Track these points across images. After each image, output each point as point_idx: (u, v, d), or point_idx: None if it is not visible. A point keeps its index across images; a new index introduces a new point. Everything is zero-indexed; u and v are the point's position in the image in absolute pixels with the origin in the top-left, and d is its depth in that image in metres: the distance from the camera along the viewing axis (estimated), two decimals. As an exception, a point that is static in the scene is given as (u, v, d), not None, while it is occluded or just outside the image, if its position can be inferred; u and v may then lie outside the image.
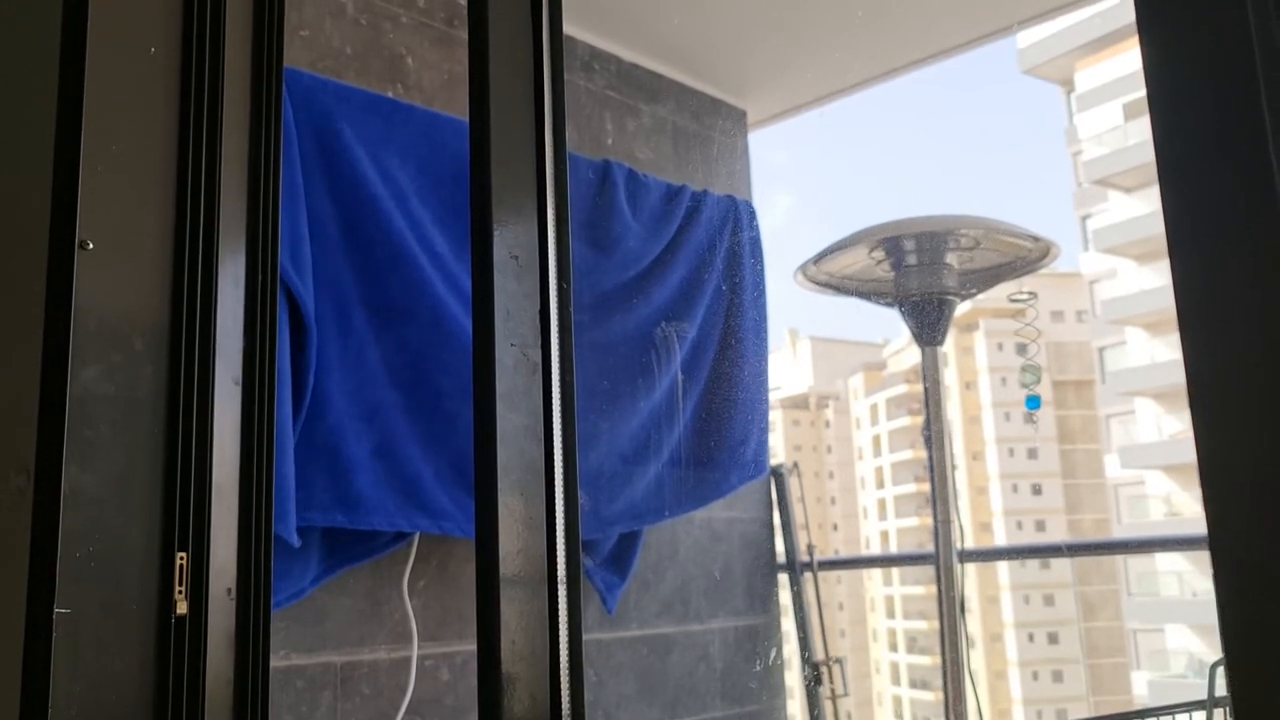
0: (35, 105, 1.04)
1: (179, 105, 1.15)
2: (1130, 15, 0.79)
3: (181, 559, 1.06)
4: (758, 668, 2.77)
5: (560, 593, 1.08)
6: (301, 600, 1.89)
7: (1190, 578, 21.47)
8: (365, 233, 1.98)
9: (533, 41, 1.23)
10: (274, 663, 1.54)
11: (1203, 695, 1.71)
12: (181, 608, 1.05)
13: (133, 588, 1.03)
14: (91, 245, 1.04)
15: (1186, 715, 1.71)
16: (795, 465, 3.06)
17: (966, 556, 2.41)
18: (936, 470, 2.26)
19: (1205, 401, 0.66)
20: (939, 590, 2.28)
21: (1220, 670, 1.61)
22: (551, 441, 1.09)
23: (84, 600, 0.98)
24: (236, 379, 1.15)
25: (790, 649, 2.95)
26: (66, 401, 0.99)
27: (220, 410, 1.12)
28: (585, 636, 1.12)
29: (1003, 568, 30.31)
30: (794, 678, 2.98)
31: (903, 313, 2.29)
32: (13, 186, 1.05)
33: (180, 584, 1.05)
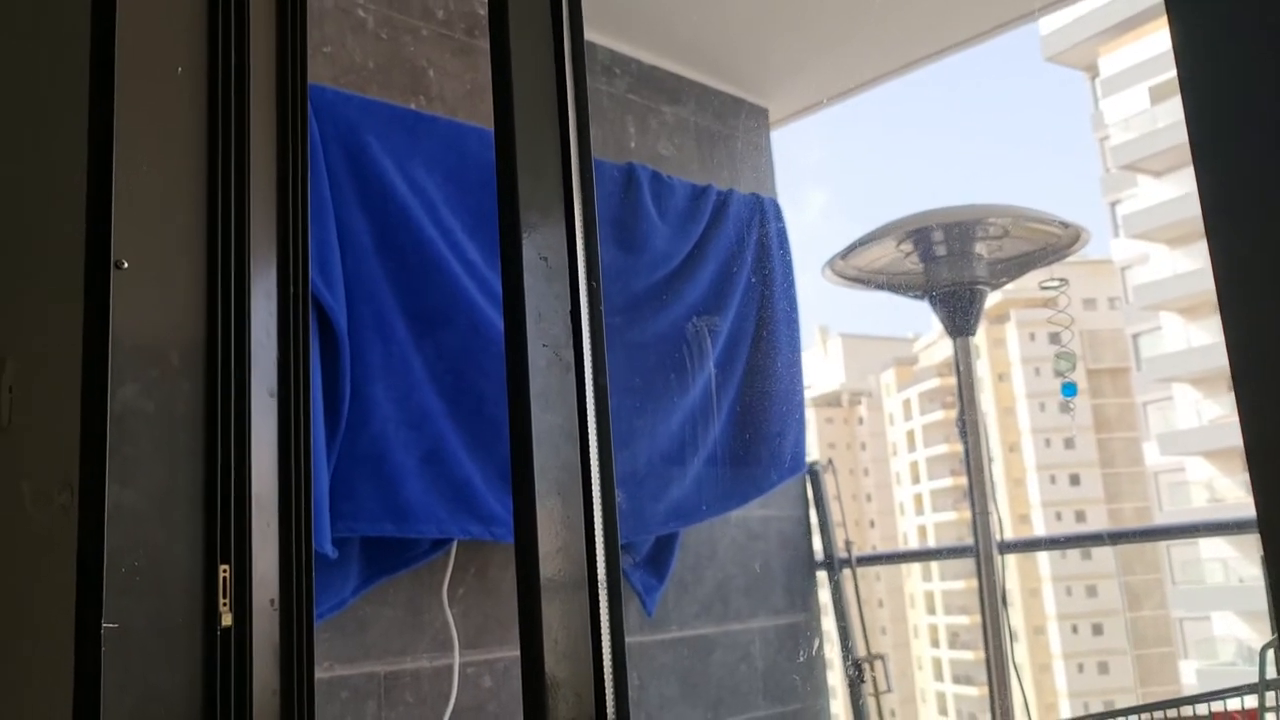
0: (67, 129, 1.06)
1: (206, 124, 1.16)
2: (1154, -4, 0.78)
3: (225, 572, 1.07)
4: (802, 669, 2.76)
5: (601, 594, 1.08)
6: (343, 611, 1.91)
7: (1236, 564, 21.15)
8: (398, 242, 1.99)
9: (554, 48, 1.23)
10: (318, 674, 1.55)
11: (1253, 681, 1.68)
12: (226, 620, 1.06)
13: (178, 601, 1.04)
14: (126, 265, 1.05)
15: (1238, 700, 1.69)
16: (830, 462, 3.04)
17: (1007, 548, 2.39)
18: (973, 463, 2.25)
19: (1249, 383, 0.65)
20: (980, 584, 2.26)
21: (1270, 653, 1.59)
22: (587, 441, 1.09)
23: (131, 615, 1.00)
24: (272, 391, 1.16)
25: (831, 647, 2.94)
26: (107, 419, 1.01)
27: (257, 423, 1.13)
28: (626, 639, 1.12)
29: (1043, 559, 30.02)
30: (836, 676, 2.97)
31: (933, 304, 2.27)
32: (48, 210, 1.06)
33: (224, 596, 1.07)
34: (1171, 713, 1.75)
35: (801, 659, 2.75)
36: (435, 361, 2.01)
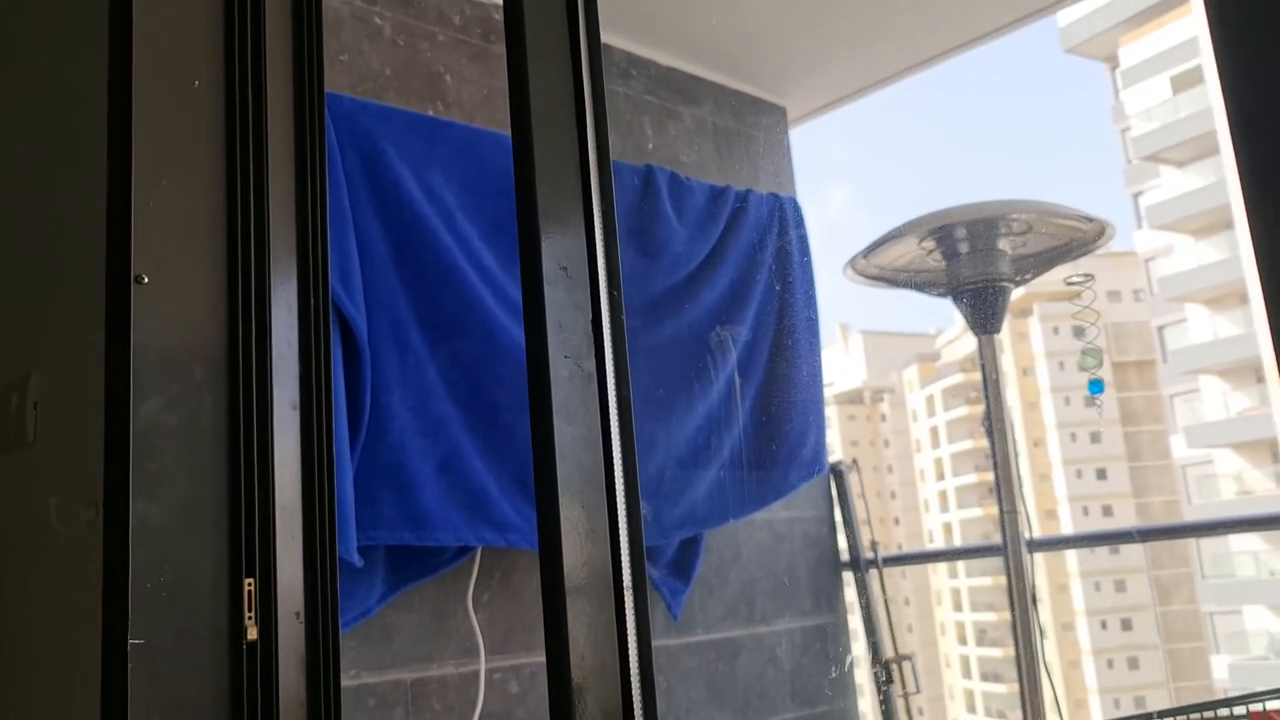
0: (86, 145, 1.06)
1: (225, 136, 1.16)
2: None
3: (250, 585, 1.07)
4: (830, 671, 2.74)
5: (627, 601, 1.08)
6: (369, 619, 1.91)
7: (1266, 557, 20.93)
8: (414, 250, 1.99)
9: (571, 52, 1.22)
10: (345, 682, 1.55)
11: (1287, 678, 1.65)
12: (252, 633, 1.06)
13: (204, 615, 1.04)
14: (147, 279, 1.05)
15: (1277, 701, 1.66)
16: (854, 461, 3.03)
17: (1035, 546, 2.36)
18: (999, 460, 2.23)
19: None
20: (1009, 582, 2.24)
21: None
22: (610, 452, 1.08)
23: (157, 630, 1.00)
24: (294, 404, 1.16)
25: (858, 646, 2.92)
26: (130, 434, 1.01)
27: (280, 436, 1.13)
28: (652, 644, 1.11)
29: (1071, 555, 29.82)
30: (864, 675, 2.95)
31: (956, 302, 2.26)
32: (69, 226, 1.07)
33: (250, 610, 1.06)
34: (1209, 713, 1.73)
35: (835, 671, 2.73)
36: (450, 369, 2.01)
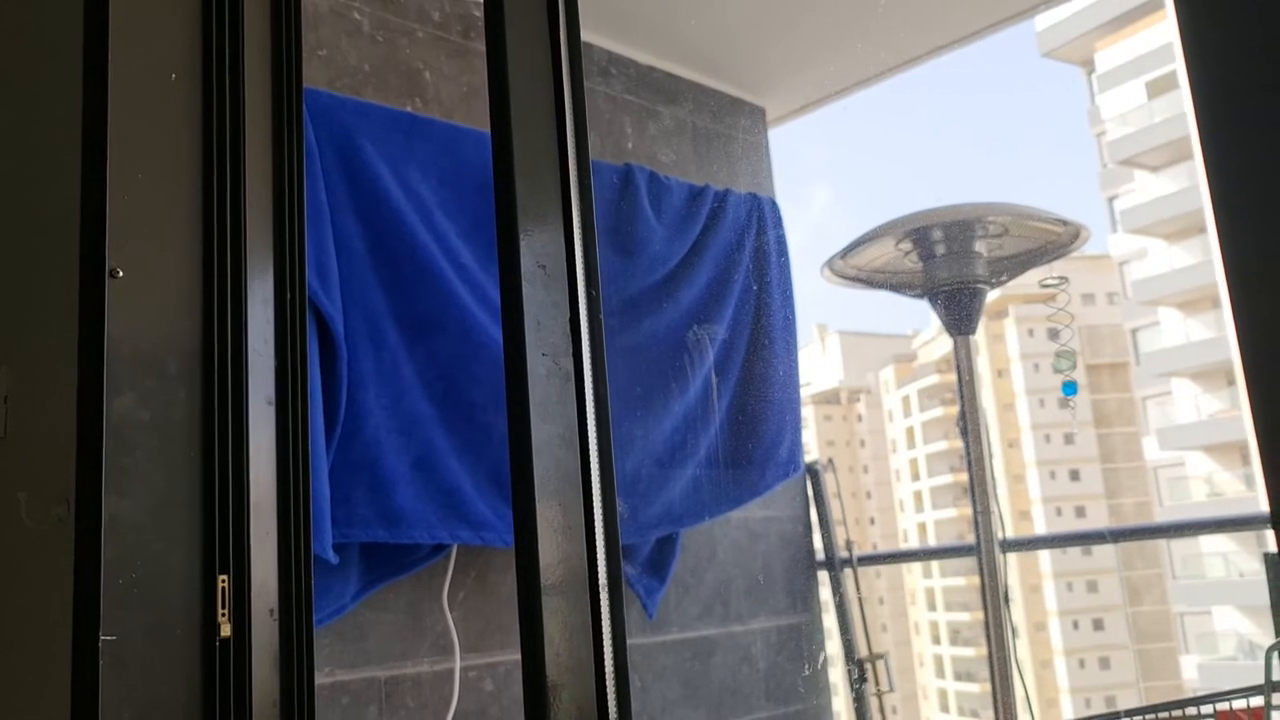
0: (61, 137, 1.05)
1: (201, 130, 1.15)
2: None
3: (223, 581, 1.06)
4: (804, 669, 2.75)
5: (602, 599, 1.08)
6: (343, 616, 1.90)
7: (1236, 558, 21.18)
8: (392, 247, 1.99)
9: (551, 50, 1.22)
10: (319, 680, 1.54)
11: (1255, 676, 1.67)
12: (225, 630, 1.06)
13: (176, 612, 1.03)
14: (121, 273, 1.04)
15: (1244, 700, 1.68)
16: (830, 461, 3.04)
17: (1008, 547, 2.38)
18: (974, 461, 2.24)
19: (1261, 376, 0.63)
20: (982, 582, 2.25)
21: (1276, 654, 1.58)
22: (587, 450, 1.08)
23: (129, 626, 0.99)
24: (270, 399, 1.15)
25: (833, 646, 2.94)
26: (103, 429, 1.00)
27: (255, 431, 1.12)
28: (628, 642, 1.11)
29: (1044, 555, 30.06)
30: (838, 674, 2.97)
31: (933, 303, 2.27)
32: (43, 219, 1.06)
33: (223, 606, 1.06)
34: (1176, 712, 1.75)
35: (807, 672, 2.74)
36: (427, 368, 2.00)
